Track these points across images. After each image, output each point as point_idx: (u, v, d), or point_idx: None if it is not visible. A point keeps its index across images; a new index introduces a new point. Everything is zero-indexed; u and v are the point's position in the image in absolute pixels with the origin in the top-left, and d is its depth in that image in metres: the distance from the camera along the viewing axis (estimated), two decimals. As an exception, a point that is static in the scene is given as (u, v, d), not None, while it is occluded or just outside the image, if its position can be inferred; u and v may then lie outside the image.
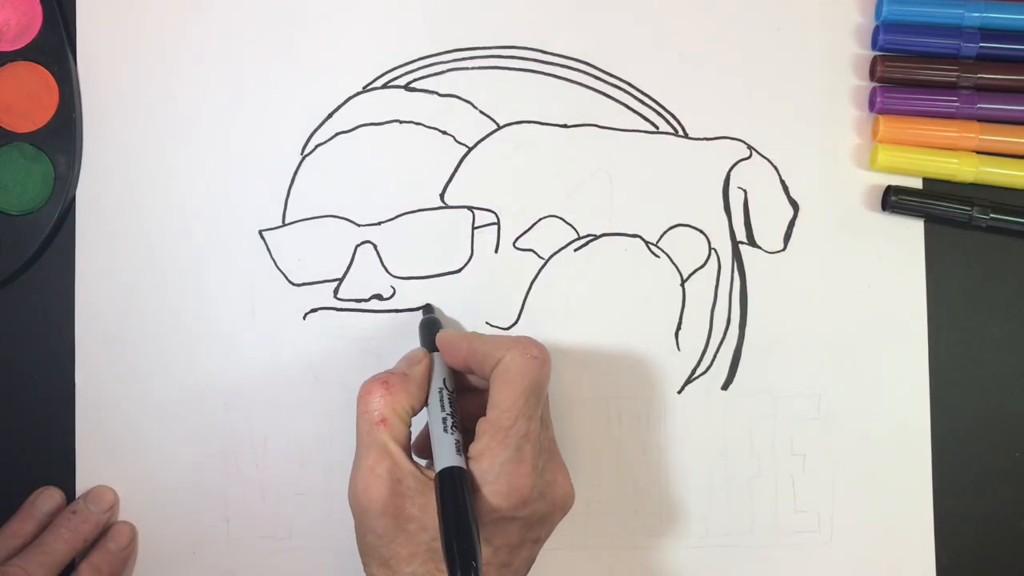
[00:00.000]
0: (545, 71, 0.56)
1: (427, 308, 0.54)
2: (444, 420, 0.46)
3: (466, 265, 0.55)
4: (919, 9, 0.55)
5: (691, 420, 0.55)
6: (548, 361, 0.47)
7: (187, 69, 0.55)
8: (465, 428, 0.47)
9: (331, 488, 0.54)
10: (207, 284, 0.55)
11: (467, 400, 0.50)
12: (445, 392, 0.48)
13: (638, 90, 0.56)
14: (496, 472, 0.45)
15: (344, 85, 0.55)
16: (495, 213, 0.55)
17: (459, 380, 0.50)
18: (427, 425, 0.49)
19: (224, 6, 0.56)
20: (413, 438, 0.48)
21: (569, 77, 0.56)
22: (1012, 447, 0.56)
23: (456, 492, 0.44)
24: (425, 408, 0.48)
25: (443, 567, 0.44)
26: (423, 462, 0.48)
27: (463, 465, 0.45)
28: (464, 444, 0.46)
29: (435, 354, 0.50)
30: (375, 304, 0.55)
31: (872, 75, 0.56)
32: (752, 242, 0.56)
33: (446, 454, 0.45)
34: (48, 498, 0.54)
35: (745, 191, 0.56)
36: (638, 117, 0.56)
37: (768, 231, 0.56)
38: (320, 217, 0.55)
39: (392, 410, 0.46)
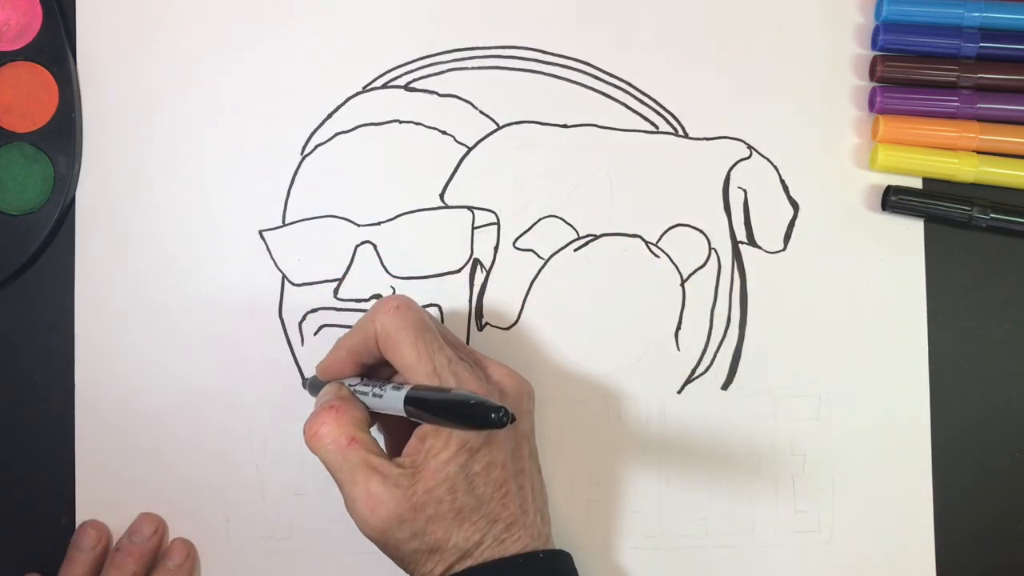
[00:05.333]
0: (545, 71, 0.56)
1: (304, 382, 0.55)
2: (373, 392, 0.47)
3: (466, 265, 0.55)
4: (919, 9, 0.55)
5: (691, 420, 0.55)
6: (410, 301, 0.48)
7: (187, 69, 0.55)
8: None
9: (331, 488, 0.54)
10: (207, 284, 0.55)
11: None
12: (359, 383, 0.49)
13: (638, 90, 0.56)
14: None
15: (344, 85, 0.55)
16: (495, 213, 0.55)
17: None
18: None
19: (224, 6, 0.56)
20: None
21: (569, 77, 0.56)
22: (1012, 447, 0.56)
23: (425, 391, 0.45)
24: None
25: (474, 517, 0.45)
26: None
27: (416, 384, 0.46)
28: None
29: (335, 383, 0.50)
30: (375, 304, 0.55)
31: (872, 75, 0.56)
32: (752, 242, 0.56)
33: (394, 395, 0.46)
34: (86, 533, 0.53)
35: (745, 191, 0.56)
36: (638, 117, 0.56)
37: (768, 231, 0.56)
38: (320, 217, 0.55)
39: (354, 426, 0.47)
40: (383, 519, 0.45)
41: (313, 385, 0.52)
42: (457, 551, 0.45)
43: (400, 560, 0.47)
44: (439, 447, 0.45)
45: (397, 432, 0.50)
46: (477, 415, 0.42)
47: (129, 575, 0.52)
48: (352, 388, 0.49)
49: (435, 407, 0.44)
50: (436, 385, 0.46)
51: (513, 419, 0.42)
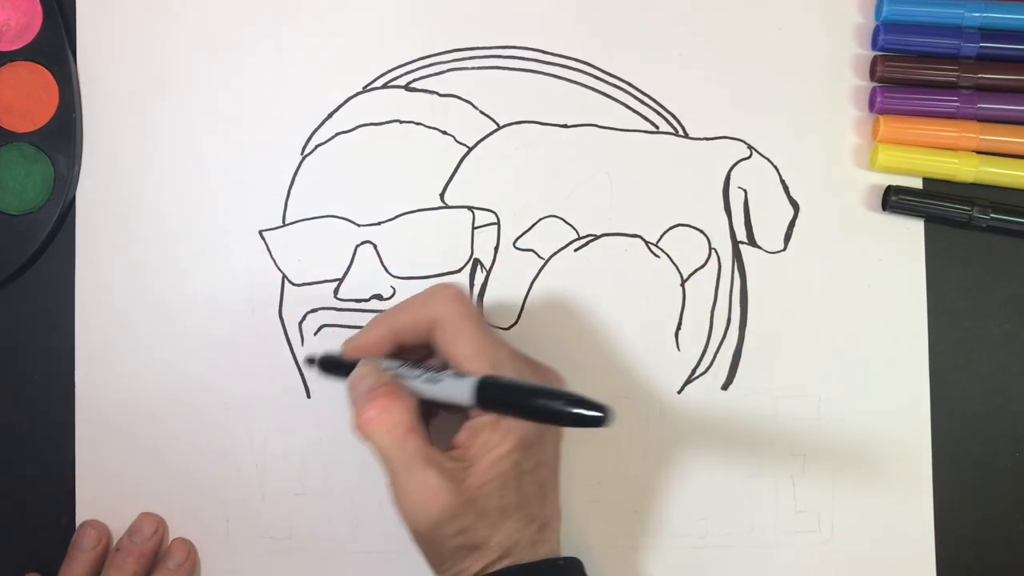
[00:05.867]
0: (545, 71, 0.56)
1: (308, 359, 0.53)
2: (426, 377, 0.46)
3: (466, 265, 0.55)
4: (919, 9, 0.55)
5: (691, 420, 0.55)
6: (466, 291, 0.49)
7: (187, 69, 0.55)
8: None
9: (331, 488, 0.54)
10: (207, 284, 0.55)
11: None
12: (406, 365, 0.47)
13: (638, 90, 0.56)
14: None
15: (344, 85, 0.55)
16: (495, 213, 0.55)
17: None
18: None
19: (224, 6, 0.56)
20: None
21: (569, 77, 0.56)
22: (1012, 447, 0.56)
23: (507, 381, 0.44)
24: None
25: (518, 515, 0.44)
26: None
27: (480, 375, 0.45)
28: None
29: (367, 361, 0.48)
30: (375, 304, 0.55)
31: (872, 75, 0.56)
32: (752, 242, 0.56)
33: (457, 383, 0.44)
34: (86, 533, 0.53)
35: (745, 191, 0.56)
36: (638, 117, 0.56)
37: (768, 231, 0.56)
38: (320, 217, 0.55)
39: (411, 415, 0.45)
40: (438, 511, 0.44)
41: (329, 363, 0.50)
42: (499, 549, 0.45)
43: (438, 556, 0.46)
44: (496, 441, 0.44)
45: (435, 422, 0.49)
46: (574, 413, 0.41)
47: (129, 575, 0.52)
48: (394, 372, 0.46)
49: (521, 396, 0.43)
50: (495, 369, 0.45)
51: (613, 418, 0.41)
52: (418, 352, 0.49)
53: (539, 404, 0.42)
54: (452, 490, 0.44)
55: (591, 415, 0.41)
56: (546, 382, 0.48)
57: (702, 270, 0.55)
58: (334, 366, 0.50)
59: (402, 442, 0.44)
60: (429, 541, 0.45)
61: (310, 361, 0.52)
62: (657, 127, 0.56)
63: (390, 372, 0.47)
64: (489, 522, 0.44)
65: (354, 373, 0.47)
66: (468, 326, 0.46)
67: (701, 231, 0.56)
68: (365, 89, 0.56)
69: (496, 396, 0.44)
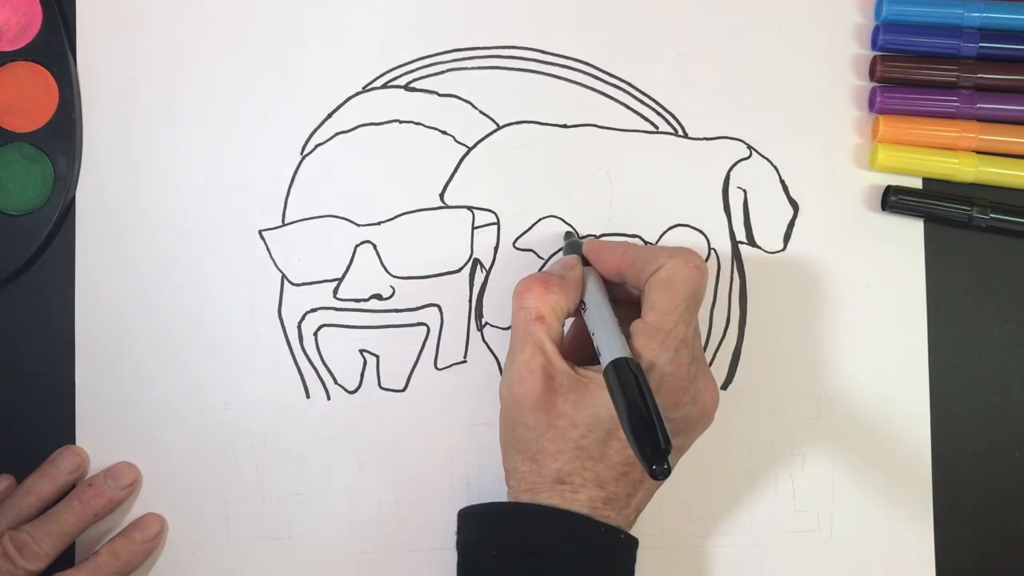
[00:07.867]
0: (545, 71, 0.56)
1: (568, 234, 0.54)
2: (598, 322, 0.46)
3: (466, 265, 0.55)
4: (919, 9, 0.55)
5: (691, 420, 0.55)
6: (707, 272, 0.48)
7: (187, 69, 0.55)
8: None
9: (331, 488, 0.54)
10: (207, 284, 0.55)
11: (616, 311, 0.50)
12: (604, 296, 0.48)
13: (638, 90, 0.56)
14: (655, 372, 0.45)
15: (344, 85, 0.55)
16: (495, 213, 0.55)
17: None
18: (572, 331, 0.51)
19: (224, 6, 0.56)
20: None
21: (569, 77, 0.56)
22: (1012, 447, 0.56)
23: (639, 380, 0.43)
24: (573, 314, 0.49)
25: (588, 464, 0.45)
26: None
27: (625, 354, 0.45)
28: None
29: (587, 267, 0.50)
30: (375, 304, 0.55)
31: (872, 75, 0.56)
32: (752, 242, 0.56)
33: (618, 346, 0.45)
34: (68, 457, 0.53)
35: (745, 191, 0.56)
36: (638, 117, 0.56)
37: (768, 231, 0.56)
38: (320, 217, 0.55)
39: (550, 308, 0.47)
40: (526, 392, 0.46)
41: (571, 245, 0.52)
42: (554, 474, 0.45)
43: (507, 441, 0.47)
44: (608, 400, 0.44)
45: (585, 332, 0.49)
46: (648, 447, 0.41)
47: (92, 512, 0.52)
48: (588, 294, 0.48)
49: (635, 395, 0.42)
50: (659, 347, 0.45)
51: (664, 478, 0.41)
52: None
53: (630, 417, 0.42)
54: (546, 387, 0.46)
55: (651, 468, 0.41)
56: (691, 398, 0.47)
57: (702, 270, 0.55)
58: (571, 248, 0.52)
59: (528, 324, 0.47)
60: (505, 417, 0.47)
61: (568, 235, 0.54)
62: (657, 127, 0.56)
63: (587, 294, 0.48)
64: (558, 446, 0.45)
65: (562, 257, 0.52)
66: (684, 293, 0.46)
67: (701, 231, 0.56)
68: (365, 89, 0.56)
69: (616, 380, 0.43)
